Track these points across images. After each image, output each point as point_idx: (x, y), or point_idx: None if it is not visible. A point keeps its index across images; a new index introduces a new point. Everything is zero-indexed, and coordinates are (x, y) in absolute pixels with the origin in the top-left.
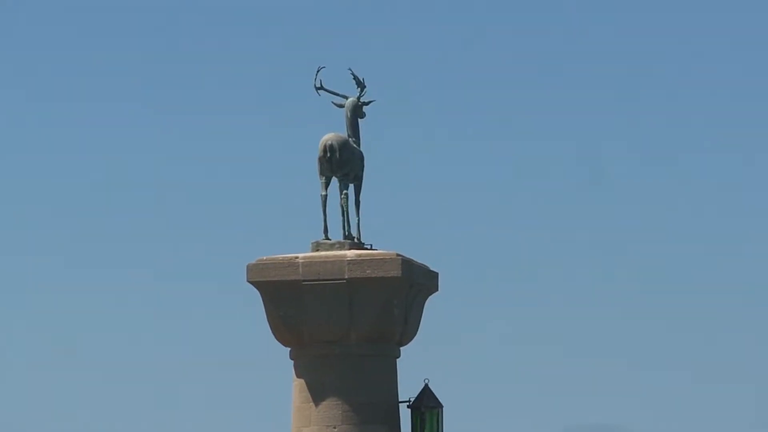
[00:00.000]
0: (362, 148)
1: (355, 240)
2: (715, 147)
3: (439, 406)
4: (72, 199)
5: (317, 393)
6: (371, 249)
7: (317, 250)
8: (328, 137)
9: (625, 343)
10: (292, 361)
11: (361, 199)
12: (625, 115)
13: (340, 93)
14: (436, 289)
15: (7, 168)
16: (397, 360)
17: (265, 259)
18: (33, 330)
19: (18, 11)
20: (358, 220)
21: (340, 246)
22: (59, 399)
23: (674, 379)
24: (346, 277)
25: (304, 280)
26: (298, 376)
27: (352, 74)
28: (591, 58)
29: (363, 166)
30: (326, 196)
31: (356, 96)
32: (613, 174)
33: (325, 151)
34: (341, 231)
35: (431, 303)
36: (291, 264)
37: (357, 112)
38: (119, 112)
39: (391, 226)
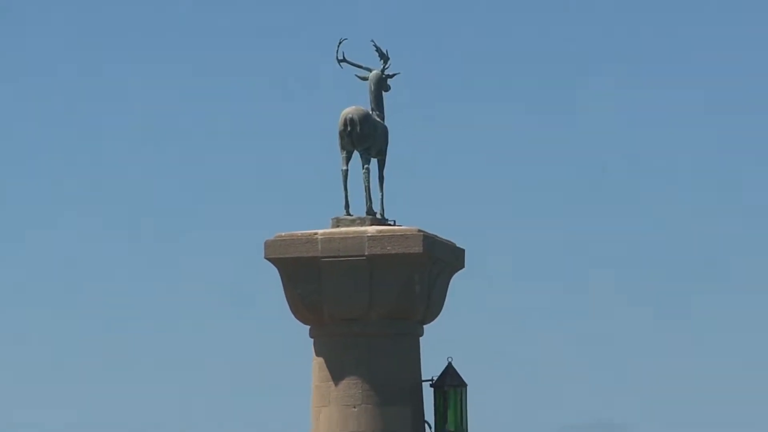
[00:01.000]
0: (387, 122)
1: (378, 216)
2: None
3: (463, 385)
4: (82, 165)
5: (337, 372)
6: (394, 225)
7: (338, 226)
8: (349, 111)
9: (627, 340)
10: (312, 340)
11: (385, 174)
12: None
13: (364, 66)
14: (462, 266)
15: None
16: (420, 338)
17: (284, 236)
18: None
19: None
20: (382, 195)
21: (361, 222)
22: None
23: (675, 379)
24: (366, 253)
25: (323, 257)
26: (318, 354)
27: (375, 47)
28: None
29: (387, 141)
30: (347, 170)
31: (380, 69)
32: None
33: (345, 124)
34: (364, 207)
35: (456, 280)
36: (310, 240)
37: (381, 85)
38: (133, 73)
39: (418, 203)
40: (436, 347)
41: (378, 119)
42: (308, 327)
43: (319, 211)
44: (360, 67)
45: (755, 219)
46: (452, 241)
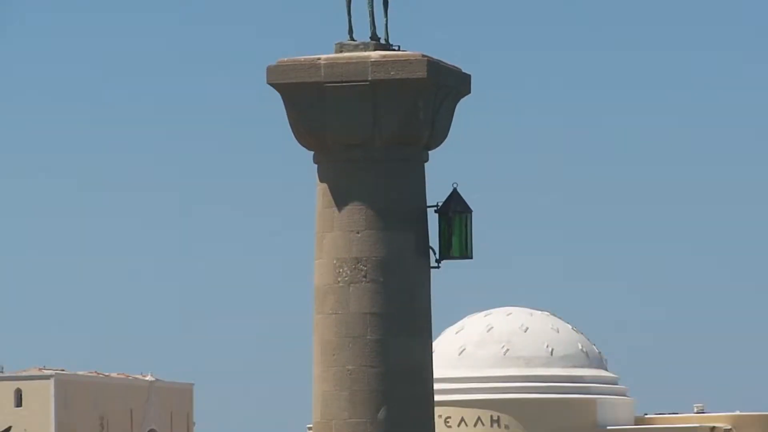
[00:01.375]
0: None
1: (382, 41)
2: None
3: (468, 211)
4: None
5: (340, 197)
6: (398, 51)
7: (341, 52)
8: None
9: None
10: (316, 166)
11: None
12: None
13: None
14: (468, 92)
15: None
16: (426, 164)
17: (286, 61)
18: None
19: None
20: (386, 20)
21: (365, 47)
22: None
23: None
24: (370, 78)
25: (327, 82)
26: (322, 180)
27: None
28: None
29: None
30: None
31: None
32: None
33: None
34: (368, 32)
35: (462, 106)
36: (313, 65)
37: None
38: None
39: (423, 29)
40: (442, 173)
41: None
42: (312, 153)
43: (323, 36)
44: None
45: None
46: (458, 66)
